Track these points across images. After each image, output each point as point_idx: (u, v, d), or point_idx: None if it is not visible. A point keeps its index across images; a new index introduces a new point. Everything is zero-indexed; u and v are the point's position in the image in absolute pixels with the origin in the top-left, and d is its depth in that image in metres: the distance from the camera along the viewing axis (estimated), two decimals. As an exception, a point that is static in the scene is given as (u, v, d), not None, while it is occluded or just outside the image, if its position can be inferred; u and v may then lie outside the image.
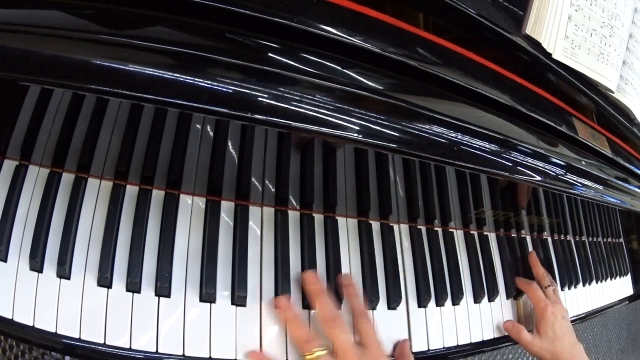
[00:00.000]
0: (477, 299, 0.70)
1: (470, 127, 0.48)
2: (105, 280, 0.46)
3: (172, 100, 0.35)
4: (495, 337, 0.71)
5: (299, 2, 0.39)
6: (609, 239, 1.08)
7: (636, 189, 0.71)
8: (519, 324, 0.73)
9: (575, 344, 0.72)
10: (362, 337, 0.54)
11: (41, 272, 0.45)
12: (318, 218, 0.60)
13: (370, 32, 0.42)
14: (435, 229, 0.69)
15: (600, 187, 0.63)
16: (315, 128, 0.39)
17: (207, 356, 0.48)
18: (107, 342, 0.45)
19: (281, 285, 0.53)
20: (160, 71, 0.34)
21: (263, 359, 0.51)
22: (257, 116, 0.37)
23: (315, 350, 0.50)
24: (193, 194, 0.54)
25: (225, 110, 0.36)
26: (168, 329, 0.48)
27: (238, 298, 0.51)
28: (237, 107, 0.36)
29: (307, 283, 0.54)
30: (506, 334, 0.72)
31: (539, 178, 0.53)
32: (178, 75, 0.34)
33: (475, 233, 0.74)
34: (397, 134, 0.43)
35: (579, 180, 0.59)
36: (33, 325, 0.43)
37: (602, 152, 0.64)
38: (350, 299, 0.56)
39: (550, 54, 0.56)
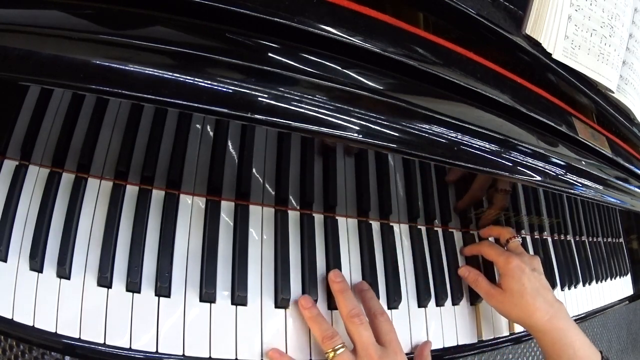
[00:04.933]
0: (476, 299, 0.70)
1: (470, 127, 0.48)
2: (105, 280, 0.46)
3: (172, 100, 0.35)
4: (495, 337, 0.71)
5: (299, 2, 0.39)
6: (609, 239, 1.08)
7: (636, 189, 0.71)
8: (476, 270, 0.65)
9: (554, 303, 0.61)
10: (381, 336, 0.54)
11: (41, 272, 0.45)
12: (318, 218, 0.60)
13: (370, 32, 0.42)
14: (435, 229, 0.69)
15: (600, 187, 0.62)
16: (315, 128, 0.39)
17: (207, 356, 0.48)
18: (107, 342, 0.45)
19: (281, 284, 0.53)
20: (160, 71, 0.34)
21: (283, 357, 0.51)
22: (257, 116, 0.37)
23: (337, 346, 0.50)
24: (193, 194, 0.54)
25: (225, 110, 0.36)
26: (168, 329, 0.48)
27: (238, 298, 0.51)
28: (237, 107, 0.36)
29: (332, 281, 0.55)
30: (506, 334, 0.72)
31: (539, 178, 0.53)
32: (178, 75, 0.34)
33: (475, 233, 0.74)
34: (397, 134, 0.43)
35: (579, 180, 0.59)
36: (33, 325, 0.43)
37: (602, 152, 0.64)
38: (368, 302, 0.56)
39: (550, 54, 0.56)
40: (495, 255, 0.65)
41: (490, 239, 0.73)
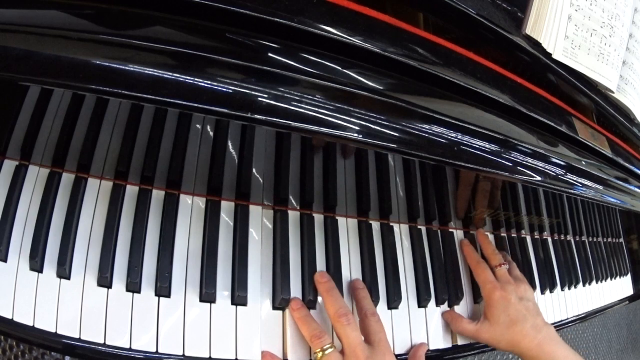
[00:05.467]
0: (476, 299, 0.70)
1: (470, 127, 0.48)
2: (105, 280, 0.46)
3: (172, 100, 0.35)
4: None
5: (299, 2, 0.39)
6: (609, 239, 1.08)
7: (636, 189, 0.71)
8: (457, 314, 0.66)
9: (543, 327, 0.62)
10: (371, 335, 0.53)
11: (41, 272, 0.45)
12: (318, 218, 0.60)
13: (370, 32, 0.42)
14: (435, 229, 0.69)
15: (600, 187, 0.63)
16: (315, 128, 0.39)
17: (207, 356, 0.48)
18: (107, 342, 0.45)
19: (281, 284, 0.53)
20: (160, 71, 0.34)
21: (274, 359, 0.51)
22: (257, 116, 0.37)
23: (326, 347, 0.50)
24: (193, 194, 0.54)
25: (225, 110, 0.36)
26: (168, 329, 0.48)
27: (238, 298, 0.51)
28: (237, 107, 0.36)
29: (318, 282, 0.55)
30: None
31: (539, 178, 0.53)
32: (178, 75, 0.34)
33: (475, 233, 0.74)
34: (397, 134, 0.43)
35: (579, 180, 0.59)
36: (33, 325, 0.43)
37: (602, 152, 0.64)
38: (361, 301, 0.56)
39: (550, 54, 0.56)
40: (482, 281, 0.66)
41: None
